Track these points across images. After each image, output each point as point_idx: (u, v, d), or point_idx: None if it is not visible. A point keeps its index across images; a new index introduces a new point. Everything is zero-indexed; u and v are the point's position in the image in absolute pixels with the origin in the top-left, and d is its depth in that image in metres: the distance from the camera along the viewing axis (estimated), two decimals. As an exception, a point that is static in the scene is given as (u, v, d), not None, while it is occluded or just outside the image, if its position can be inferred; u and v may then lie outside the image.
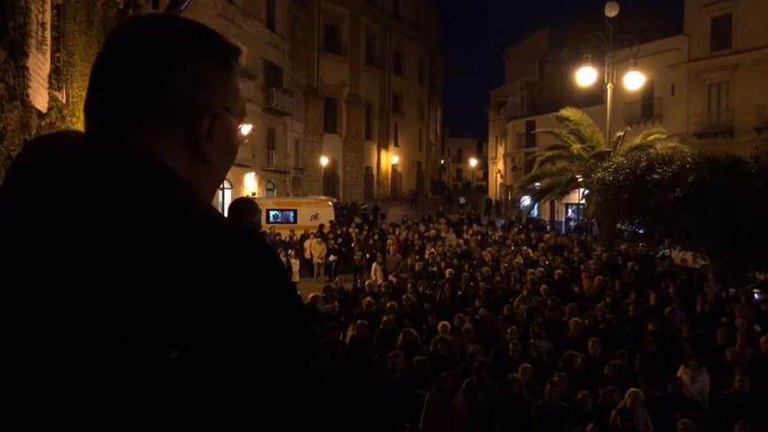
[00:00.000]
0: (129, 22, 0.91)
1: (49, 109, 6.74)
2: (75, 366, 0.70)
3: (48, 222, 0.76)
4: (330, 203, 23.92)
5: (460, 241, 19.44)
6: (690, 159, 12.60)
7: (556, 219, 34.85)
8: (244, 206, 1.15)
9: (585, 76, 19.38)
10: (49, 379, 0.70)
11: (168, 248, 0.73)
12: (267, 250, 0.83)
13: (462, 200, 46.57)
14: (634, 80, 19.35)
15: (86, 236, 0.74)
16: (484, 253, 16.43)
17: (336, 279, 14.11)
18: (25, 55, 5.86)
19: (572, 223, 31.20)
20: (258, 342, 0.74)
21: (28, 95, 5.93)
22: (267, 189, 31.74)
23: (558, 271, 13.15)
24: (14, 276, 0.75)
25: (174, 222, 0.76)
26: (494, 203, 43.77)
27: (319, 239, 18.50)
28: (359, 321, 8.73)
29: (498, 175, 49.64)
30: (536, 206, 29.44)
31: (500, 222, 31.20)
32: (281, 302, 0.80)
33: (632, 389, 6.49)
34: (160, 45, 0.85)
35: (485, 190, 57.69)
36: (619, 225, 15.54)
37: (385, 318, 8.92)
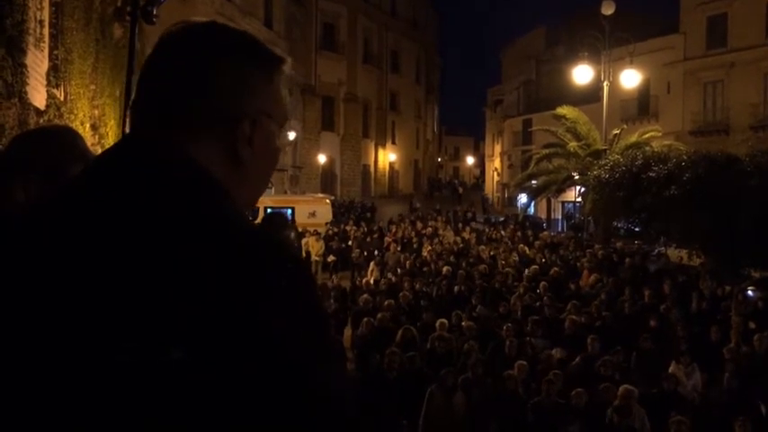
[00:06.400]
0: (179, 26, 0.93)
1: (47, 106, 6.73)
2: (80, 365, 0.70)
3: (71, 222, 0.78)
4: (328, 201, 23.93)
5: (458, 239, 19.47)
6: (685, 157, 12.62)
7: (552, 216, 34.92)
8: (276, 220, 1.21)
9: (582, 74, 19.39)
10: (53, 377, 0.70)
11: (187, 252, 0.73)
12: (291, 260, 0.81)
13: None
14: (630, 78, 19.40)
15: (107, 236, 0.75)
16: (481, 248, 16.47)
17: (333, 276, 14.13)
18: (23, 52, 5.85)
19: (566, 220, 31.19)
20: (269, 349, 0.72)
21: (26, 93, 5.92)
22: (265, 187, 31.68)
23: (555, 268, 13.20)
24: (28, 276, 0.76)
25: (203, 228, 0.76)
26: (489, 201, 43.86)
27: (317, 237, 18.51)
28: (365, 319, 8.74)
29: (495, 173, 49.70)
30: (533, 204, 29.49)
31: (494, 219, 31.23)
32: (301, 313, 0.77)
33: (624, 385, 6.51)
34: (205, 49, 0.88)
35: (481, 188, 57.81)
36: (615, 223, 15.59)
37: (380, 315, 8.93)
